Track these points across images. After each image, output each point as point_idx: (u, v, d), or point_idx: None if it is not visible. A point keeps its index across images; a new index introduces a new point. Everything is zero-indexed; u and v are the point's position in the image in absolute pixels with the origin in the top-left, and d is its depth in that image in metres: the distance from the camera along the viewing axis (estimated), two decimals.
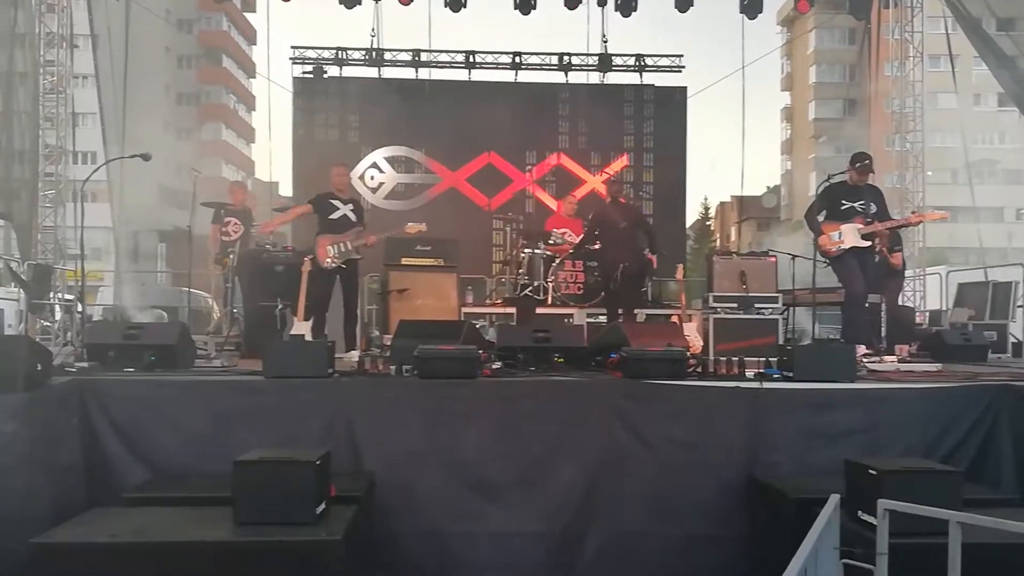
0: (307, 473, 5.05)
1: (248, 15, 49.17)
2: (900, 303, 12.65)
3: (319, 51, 16.02)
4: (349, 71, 16.19)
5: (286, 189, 16.96)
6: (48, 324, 11.21)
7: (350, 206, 9.55)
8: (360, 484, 5.90)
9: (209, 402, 6.41)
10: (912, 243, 13.67)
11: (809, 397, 6.57)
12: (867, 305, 9.32)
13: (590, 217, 11.01)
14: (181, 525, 5.03)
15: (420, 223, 9.63)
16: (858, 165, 8.89)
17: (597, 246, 10.77)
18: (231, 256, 10.05)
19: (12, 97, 11.93)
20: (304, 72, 16.03)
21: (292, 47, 16.07)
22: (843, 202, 8.93)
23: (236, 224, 11.00)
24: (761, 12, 13.97)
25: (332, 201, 9.51)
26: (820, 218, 9.03)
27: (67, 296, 11.74)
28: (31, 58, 12.36)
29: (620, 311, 10.24)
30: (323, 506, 5.13)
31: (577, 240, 11.33)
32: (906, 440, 6.40)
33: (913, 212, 12.87)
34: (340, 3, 13.69)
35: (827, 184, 9.01)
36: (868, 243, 8.88)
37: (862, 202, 8.86)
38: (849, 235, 8.83)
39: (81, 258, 8.52)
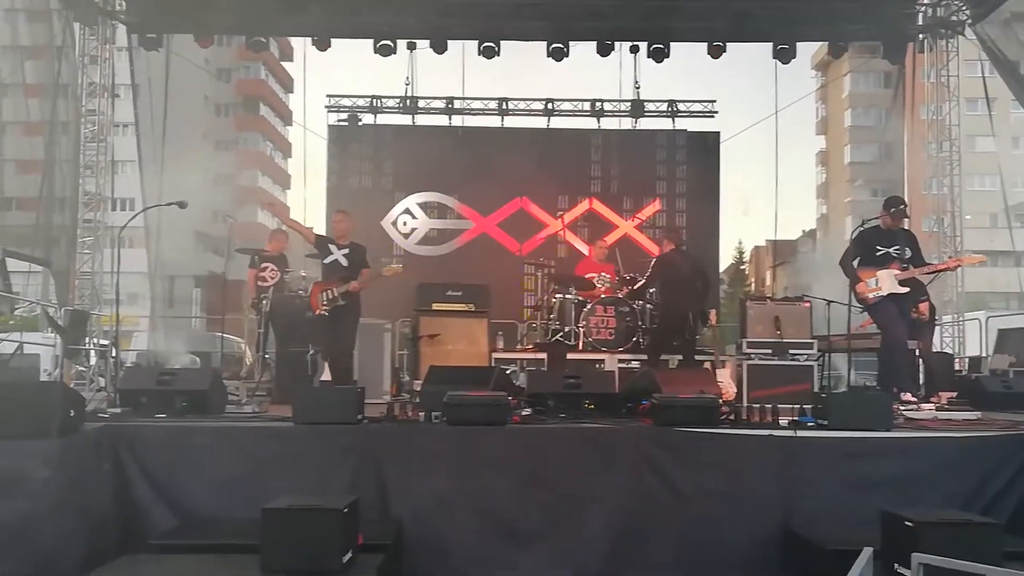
0: (334, 521, 5.02)
1: (285, 64, 50.09)
2: (939, 349, 12.47)
3: (354, 99, 16.26)
4: (383, 118, 16.41)
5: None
6: (83, 369, 11.32)
7: (344, 251, 9.51)
8: (388, 532, 5.87)
9: (239, 448, 6.42)
10: (951, 288, 13.47)
11: (844, 446, 6.45)
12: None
13: (653, 263, 11.03)
14: (208, 573, 5.01)
15: (398, 265, 9.63)
16: (892, 210, 8.81)
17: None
18: (264, 302, 10.12)
19: (55, 146, 12.22)
20: (339, 120, 16.25)
21: (328, 95, 16.33)
22: (878, 248, 8.83)
23: (273, 270, 11.08)
24: (795, 57, 13.97)
25: (329, 245, 9.55)
26: (855, 263, 8.94)
27: (102, 341, 11.87)
28: (74, 108, 12.67)
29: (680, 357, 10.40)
30: (350, 554, 5.09)
31: (618, 282, 11.36)
32: (944, 490, 6.26)
33: (950, 257, 12.70)
34: (375, 52, 13.88)
35: (861, 229, 8.92)
36: (906, 289, 8.77)
37: (897, 247, 8.76)
38: (886, 281, 8.72)
39: (116, 303, 8.62)
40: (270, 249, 11.32)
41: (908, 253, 8.78)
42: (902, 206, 8.89)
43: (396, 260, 15.55)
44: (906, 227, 8.98)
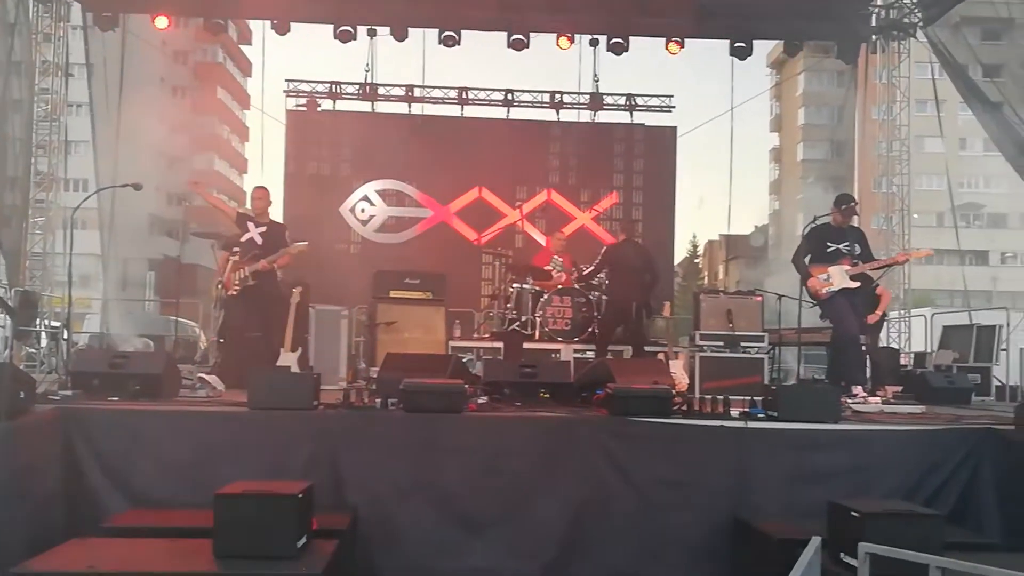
0: (288, 506, 5.02)
1: (244, 47, 49.49)
2: (886, 344, 12.72)
3: (313, 84, 16.14)
4: (343, 105, 16.30)
5: (276, 219, 16.98)
6: (33, 351, 11.17)
7: (261, 229, 9.27)
8: (343, 518, 5.88)
9: (193, 433, 6.39)
10: (898, 284, 13.74)
11: (794, 438, 6.59)
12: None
13: (603, 251, 11.11)
14: (160, 557, 5.00)
15: (303, 243, 9.39)
16: (843, 207, 8.96)
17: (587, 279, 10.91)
18: (219, 285, 10.04)
19: (6, 124, 12.00)
20: (298, 105, 16.12)
21: (286, 80, 16.18)
22: (828, 244, 8.98)
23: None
24: (751, 55, 14.13)
25: (248, 223, 9.32)
26: (807, 260, 9.09)
27: (54, 323, 11.71)
28: (27, 86, 12.43)
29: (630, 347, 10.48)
30: (304, 540, 5.10)
31: (572, 269, 11.44)
32: (890, 482, 6.43)
33: (899, 252, 12.94)
34: (335, 38, 13.78)
35: (812, 226, 9.07)
36: (856, 284, 8.93)
37: (847, 243, 8.91)
38: (837, 276, 8.87)
39: (69, 285, 8.50)
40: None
41: (858, 249, 8.93)
42: (852, 203, 9.04)
43: (352, 246, 15.56)
44: (856, 224, 9.14)
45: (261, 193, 9.68)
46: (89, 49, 13.18)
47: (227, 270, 9.21)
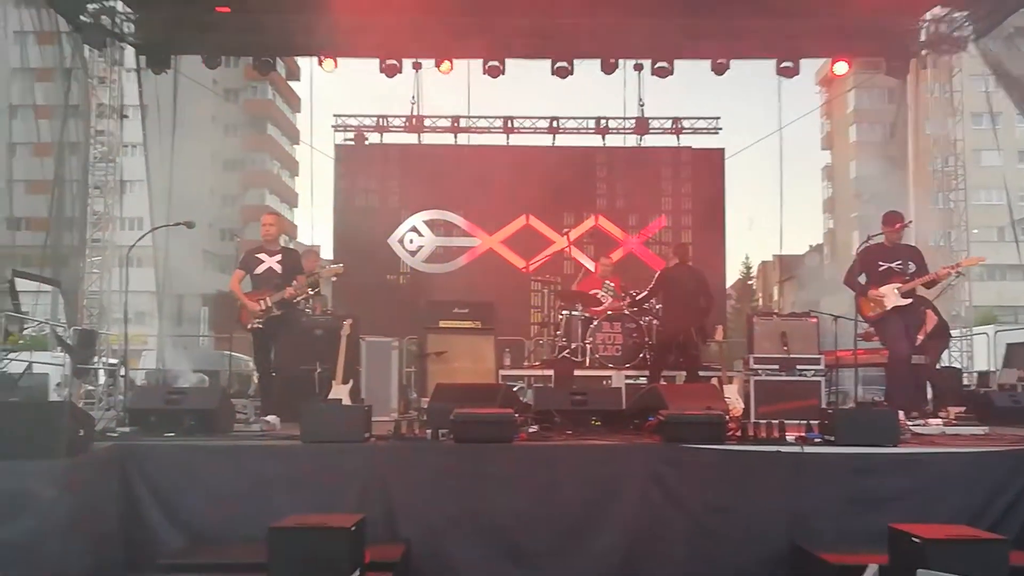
0: (341, 539, 5.03)
1: (292, 83, 50.37)
2: (947, 364, 12.44)
3: (361, 118, 16.36)
4: (390, 137, 16.51)
5: (327, 252, 17.18)
6: (92, 388, 11.37)
7: (277, 258, 9.01)
8: (396, 550, 5.87)
9: (247, 467, 6.42)
10: (959, 302, 13.43)
11: (851, 462, 6.44)
12: (912, 366, 9.19)
13: (658, 275, 11.01)
14: None
15: (338, 265, 9.25)
16: (886, 224, 8.86)
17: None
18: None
19: (64, 166, 12.31)
20: (346, 139, 16.35)
21: (335, 115, 16.44)
22: (880, 263, 8.87)
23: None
24: (798, 74, 14.00)
25: (258, 255, 9.03)
26: (862, 280, 8.95)
27: (111, 360, 11.92)
28: (83, 128, 12.75)
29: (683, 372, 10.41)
30: (358, 573, 5.10)
31: (623, 294, 11.38)
32: (952, 506, 6.24)
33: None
34: (381, 72, 13.94)
35: (865, 246, 8.94)
36: (908, 300, 8.77)
37: (899, 262, 8.78)
38: (890, 296, 8.73)
39: (125, 322, 8.65)
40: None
41: (912, 267, 8.79)
42: (899, 222, 8.91)
43: (402, 277, 15.66)
44: (910, 242, 9.01)
45: (273, 219, 9.47)
46: (142, 91, 13.50)
47: (240, 305, 8.90)
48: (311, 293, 9.93)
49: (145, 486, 6.29)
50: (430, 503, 6.32)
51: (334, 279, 9.51)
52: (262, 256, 9.04)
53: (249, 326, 8.88)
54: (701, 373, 10.91)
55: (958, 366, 12.93)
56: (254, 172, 50.16)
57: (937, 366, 11.18)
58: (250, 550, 5.43)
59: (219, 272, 13.33)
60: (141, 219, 13.40)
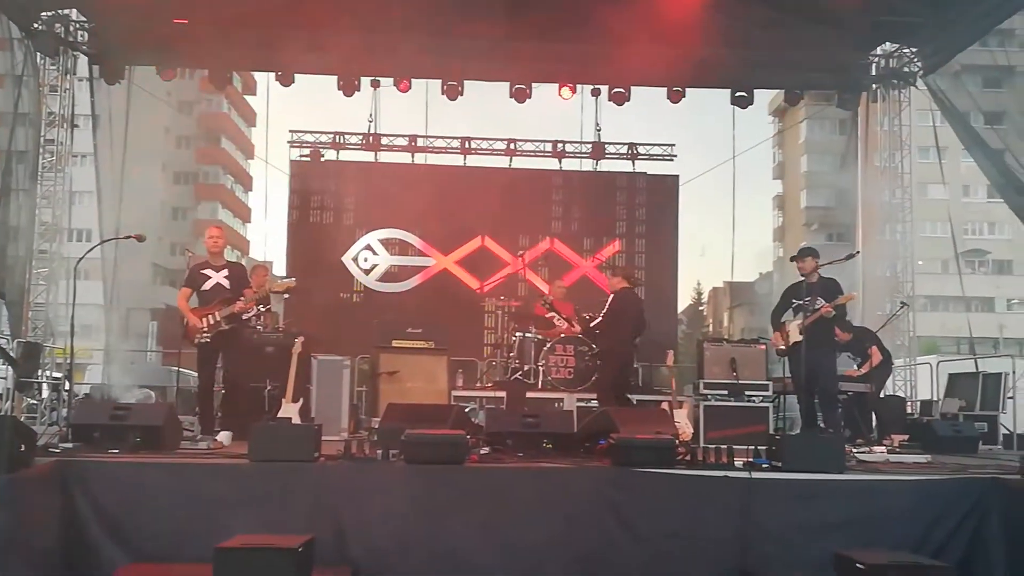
0: (288, 560, 4.99)
1: (248, 98, 50.03)
2: (892, 392, 12.66)
3: (317, 135, 16.26)
4: (346, 155, 16.41)
5: (279, 269, 17.05)
6: (35, 403, 11.14)
7: (224, 272, 8.89)
8: (344, 571, 5.82)
9: (193, 486, 6.34)
10: (903, 332, 13.68)
11: (798, 488, 6.53)
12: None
13: (614, 297, 10.41)
14: None
15: (290, 280, 9.21)
16: (795, 260, 9.21)
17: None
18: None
19: (12, 175, 12.09)
20: (301, 155, 16.24)
21: (290, 131, 16.32)
22: (793, 301, 9.33)
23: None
24: (752, 104, 14.25)
25: (204, 271, 8.89)
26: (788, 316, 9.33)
27: (55, 374, 11.69)
28: (33, 137, 12.54)
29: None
30: None
31: (575, 317, 11.39)
32: (896, 533, 6.35)
33: (901, 302, 12.97)
34: (339, 89, 13.92)
35: (790, 284, 9.44)
36: (801, 337, 9.08)
37: (808, 298, 9.07)
38: (792, 332, 9.21)
39: (71, 336, 8.50)
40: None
41: (820, 302, 9.01)
42: (804, 257, 9.16)
43: (355, 295, 15.58)
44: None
45: (219, 231, 9.32)
46: (95, 101, 13.28)
47: (186, 320, 8.77)
48: (261, 309, 9.86)
49: (88, 503, 6.17)
50: (380, 524, 6.28)
51: (287, 295, 9.41)
52: (208, 272, 8.91)
53: (196, 340, 8.74)
54: (651, 398, 10.99)
55: (902, 395, 13.15)
56: (207, 186, 49.65)
57: (881, 395, 11.40)
58: (196, 570, 5.36)
59: (169, 286, 13.16)
60: (90, 231, 13.19)
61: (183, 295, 8.94)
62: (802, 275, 9.20)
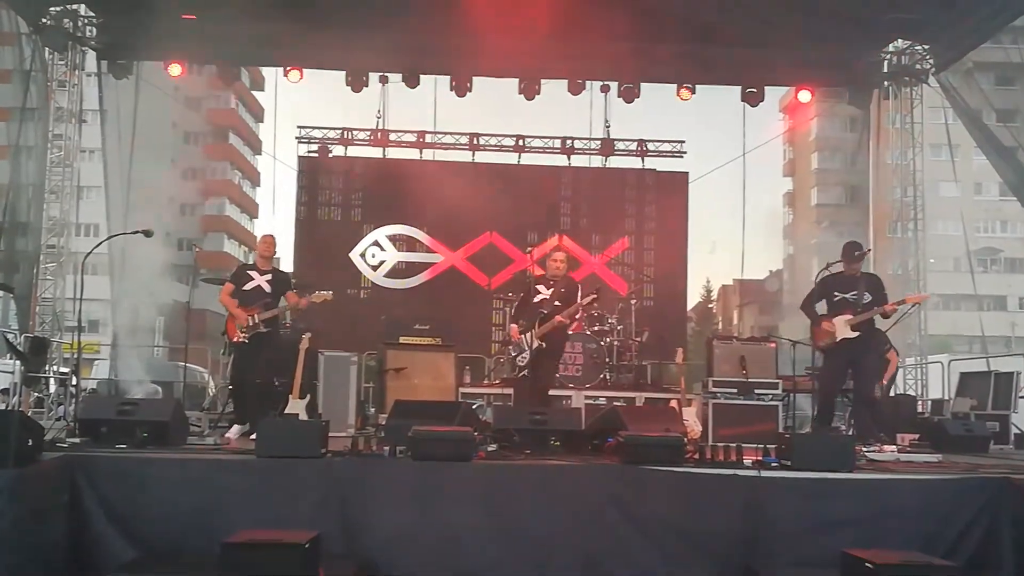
0: (294, 556, 4.97)
1: (257, 94, 50.07)
2: (902, 391, 12.60)
3: (325, 131, 16.24)
4: (354, 151, 16.40)
5: (287, 264, 17.03)
6: (42, 397, 11.14)
7: (267, 276, 9.16)
8: (350, 567, 5.80)
9: (200, 481, 6.32)
10: (914, 331, 13.61)
11: (807, 486, 6.47)
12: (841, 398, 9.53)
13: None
14: None
15: (327, 292, 9.35)
16: (848, 256, 8.98)
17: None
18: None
19: (20, 170, 12.11)
20: (309, 151, 16.22)
21: (299, 127, 16.30)
22: (836, 294, 9.01)
23: None
24: (762, 101, 14.19)
25: (249, 272, 9.24)
26: (822, 307, 9.06)
27: (63, 369, 11.70)
28: (41, 132, 12.56)
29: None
30: None
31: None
32: (906, 532, 6.29)
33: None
34: (347, 85, 13.90)
35: (824, 275, 9.05)
36: (857, 334, 8.86)
37: (854, 292, 8.88)
38: (840, 328, 8.86)
39: (78, 331, 8.49)
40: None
41: (867, 297, 8.87)
42: (856, 252, 9.01)
43: (363, 292, 15.56)
44: (870, 270, 9.11)
45: (270, 240, 9.65)
46: (103, 96, 13.31)
47: (228, 317, 9.07)
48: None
49: (95, 498, 6.16)
50: (386, 521, 6.25)
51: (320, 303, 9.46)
52: (253, 273, 9.19)
53: (235, 339, 8.95)
54: (660, 395, 10.97)
55: (913, 394, 13.09)
56: (215, 181, 49.65)
57: (892, 393, 11.34)
58: (202, 565, 5.34)
59: (176, 282, 13.07)
60: (98, 226, 13.23)
61: (226, 290, 9.22)
62: (846, 269, 9.04)
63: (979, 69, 13.12)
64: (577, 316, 9.21)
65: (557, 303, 8.89)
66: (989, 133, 12.61)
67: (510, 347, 9.24)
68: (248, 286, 9.12)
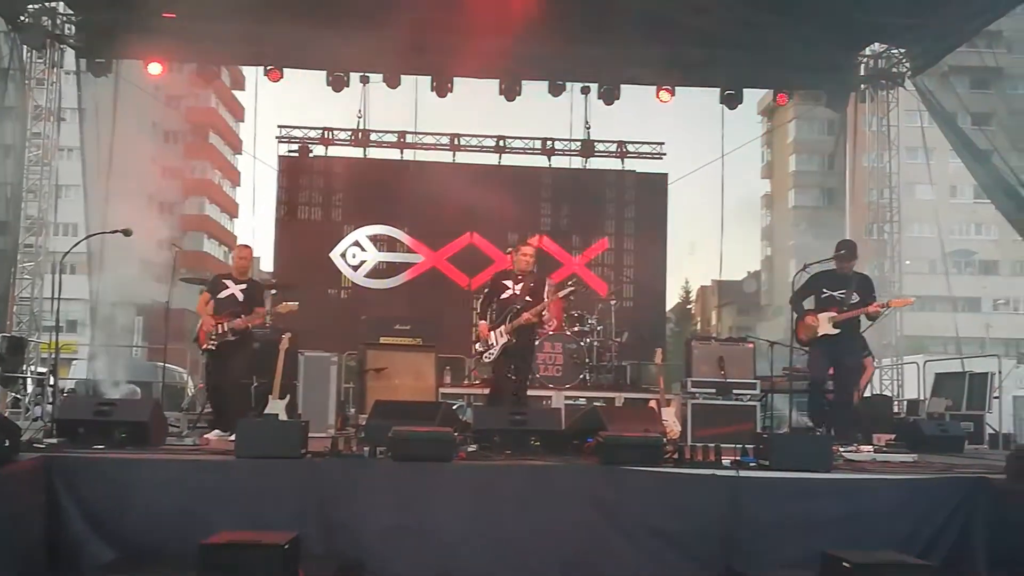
0: (274, 557, 4.97)
1: (237, 93, 49.79)
2: (878, 392, 12.71)
3: (305, 130, 16.18)
4: (335, 151, 16.34)
5: (267, 264, 16.99)
6: (19, 397, 11.06)
7: (242, 286, 9.19)
8: (330, 568, 5.80)
9: (179, 482, 6.32)
10: (890, 332, 13.72)
11: (785, 486, 6.54)
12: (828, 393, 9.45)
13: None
14: None
15: (294, 303, 9.36)
16: (836, 253, 9.02)
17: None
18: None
19: None
20: (290, 151, 16.16)
21: (279, 126, 16.23)
22: (824, 291, 9.03)
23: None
24: (741, 103, 14.29)
25: (224, 281, 9.29)
26: (810, 303, 9.13)
27: (40, 369, 11.62)
28: (19, 130, 12.45)
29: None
30: None
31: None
32: (883, 532, 6.36)
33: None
34: (328, 85, 13.88)
35: (817, 272, 9.10)
36: (837, 331, 8.91)
37: (843, 291, 8.93)
38: (822, 324, 8.90)
39: (56, 331, 8.45)
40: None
41: (856, 297, 8.92)
42: (843, 250, 9.06)
43: (343, 292, 15.53)
44: (861, 271, 9.18)
45: (246, 252, 9.73)
46: (82, 94, 13.19)
47: (200, 325, 9.06)
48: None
49: (72, 499, 6.14)
50: (366, 522, 6.27)
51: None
52: (228, 283, 9.21)
53: (204, 347, 8.95)
54: (639, 396, 11.01)
55: (888, 394, 13.20)
56: (194, 181, 49.35)
57: (867, 394, 11.43)
58: (181, 566, 5.33)
59: (155, 282, 12.97)
60: (76, 225, 13.12)
61: (203, 300, 9.25)
62: (838, 267, 9.09)
63: (955, 73, 13.23)
64: (544, 314, 9.18)
65: (528, 298, 8.87)
66: (964, 136, 12.74)
67: (476, 344, 9.23)
68: (223, 294, 9.14)
